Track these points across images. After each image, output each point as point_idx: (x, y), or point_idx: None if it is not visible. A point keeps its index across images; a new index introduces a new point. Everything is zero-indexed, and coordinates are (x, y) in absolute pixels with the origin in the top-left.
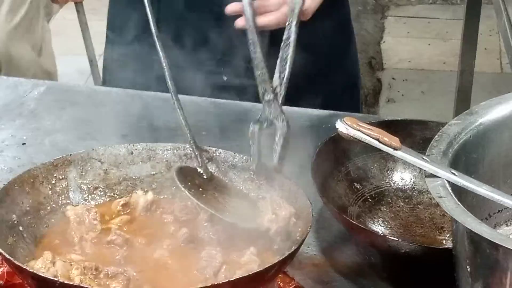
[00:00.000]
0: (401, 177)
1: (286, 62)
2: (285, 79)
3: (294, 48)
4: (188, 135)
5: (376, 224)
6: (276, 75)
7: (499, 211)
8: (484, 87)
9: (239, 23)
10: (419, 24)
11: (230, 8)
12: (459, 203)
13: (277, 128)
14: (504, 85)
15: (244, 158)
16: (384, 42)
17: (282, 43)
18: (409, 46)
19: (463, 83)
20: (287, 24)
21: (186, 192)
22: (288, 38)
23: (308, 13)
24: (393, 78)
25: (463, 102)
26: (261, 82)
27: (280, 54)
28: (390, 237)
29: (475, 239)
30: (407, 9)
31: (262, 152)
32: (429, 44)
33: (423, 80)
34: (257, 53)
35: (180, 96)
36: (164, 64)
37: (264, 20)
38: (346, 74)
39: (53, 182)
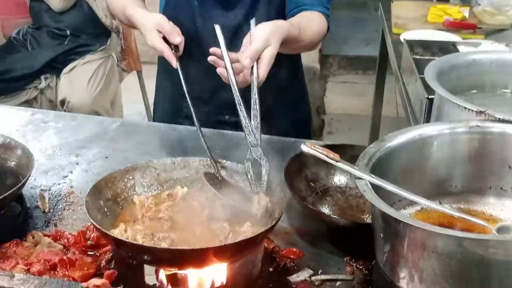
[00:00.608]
0: (339, 179)
1: (257, 118)
2: (259, 129)
3: (260, 107)
4: (208, 152)
5: (323, 208)
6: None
7: (399, 200)
8: (386, 125)
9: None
10: (347, 86)
11: (211, 58)
12: (375, 195)
13: (262, 165)
14: (398, 124)
15: (242, 166)
16: (326, 97)
17: (252, 104)
18: (341, 100)
19: (374, 122)
20: (251, 90)
21: (210, 186)
22: (255, 101)
23: (262, 80)
24: (331, 119)
25: (374, 134)
26: (248, 134)
27: (252, 113)
28: (332, 216)
29: (385, 217)
30: (340, 77)
31: (255, 177)
32: (353, 99)
33: (350, 121)
34: (241, 111)
35: (190, 128)
36: (192, 109)
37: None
38: (304, 116)
39: (125, 181)
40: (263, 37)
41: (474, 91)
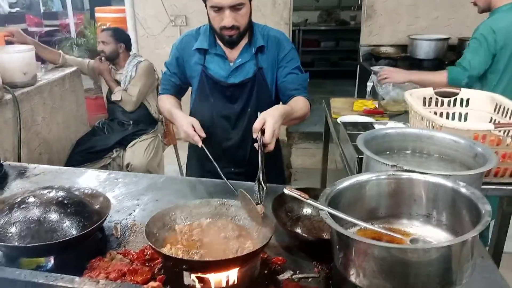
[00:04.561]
0: (306, 210)
1: (261, 165)
2: (262, 171)
3: (262, 162)
4: (234, 190)
5: (297, 229)
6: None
7: (346, 223)
8: (330, 174)
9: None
10: (306, 151)
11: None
12: (332, 220)
13: (264, 187)
14: (338, 174)
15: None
16: (291, 157)
17: (259, 158)
18: (302, 159)
19: (323, 174)
20: (259, 152)
21: (250, 198)
22: (261, 156)
23: (267, 142)
24: (296, 171)
25: (323, 180)
26: (259, 173)
27: (260, 164)
28: (303, 234)
29: (339, 235)
30: (300, 145)
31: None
32: (308, 158)
33: (309, 172)
34: (260, 167)
35: (210, 180)
36: (215, 165)
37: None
38: (280, 169)
39: (169, 215)
40: (260, 118)
41: (388, 152)
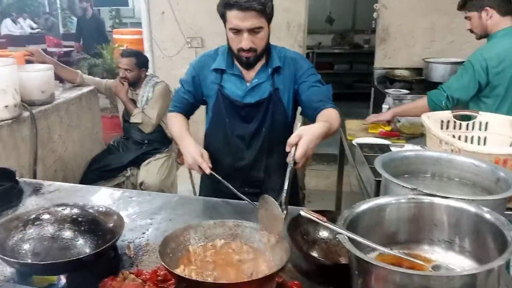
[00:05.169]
0: (322, 233)
1: (287, 181)
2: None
3: (289, 180)
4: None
5: (314, 252)
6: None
7: (364, 248)
8: (347, 196)
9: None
10: (320, 173)
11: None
12: (351, 244)
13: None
14: (352, 197)
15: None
16: (305, 179)
17: (286, 174)
18: (316, 181)
19: (338, 196)
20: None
21: (277, 204)
22: (288, 171)
23: (298, 159)
24: (309, 193)
25: (338, 203)
26: (285, 203)
27: (286, 179)
28: (320, 258)
29: (359, 259)
30: (314, 166)
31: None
32: (322, 180)
33: (322, 194)
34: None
35: (224, 200)
36: (230, 187)
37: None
38: (295, 191)
39: (183, 236)
40: (297, 133)
41: (406, 175)
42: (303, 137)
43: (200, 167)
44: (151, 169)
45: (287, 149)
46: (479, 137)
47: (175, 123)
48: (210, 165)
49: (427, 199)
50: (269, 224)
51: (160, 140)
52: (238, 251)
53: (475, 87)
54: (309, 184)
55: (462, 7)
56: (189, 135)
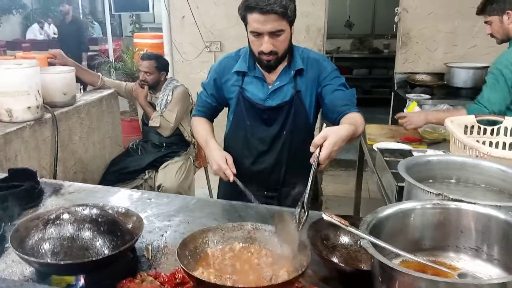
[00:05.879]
0: (343, 239)
1: (310, 183)
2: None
3: (312, 186)
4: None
5: (334, 258)
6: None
7: (387, 254)
8: (366, 202)
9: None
10: (337, 179)
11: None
12: (375, 249)
13: (306, 211)
14: (370, 203)
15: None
16: (323, 185)
17: (310, 174)
18: (333, 187)
19: (357, 202)
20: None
21: (293, 222)
22: (312, 172)
23: (322, 161)
24: (327, 199)
25: (356, 209)
26: (306, 204)
27: (309, 182)
28: (340, 264)
29: (382, 265)
30: (331, 172)
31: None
32: (340, 186)
33: (340, 200)
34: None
35: (243, 203)
36: (247, 193)
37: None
38: (314, 194)
39: (202, 238)
40: (322, 134)
41: (430, 180)
42: (329, 138)
43: (224, 173)
44: (169, 172)
45: (312, 149)
46: (504, 143)
47: (200, 129)
48: (234, 171)
49: (453, 204)
50: (285, 238)
51: (178, 143)
52: (257, 255)
53: (509, 95)
54: (326, 190)
55: (481, 11)
56: (213, 140)
